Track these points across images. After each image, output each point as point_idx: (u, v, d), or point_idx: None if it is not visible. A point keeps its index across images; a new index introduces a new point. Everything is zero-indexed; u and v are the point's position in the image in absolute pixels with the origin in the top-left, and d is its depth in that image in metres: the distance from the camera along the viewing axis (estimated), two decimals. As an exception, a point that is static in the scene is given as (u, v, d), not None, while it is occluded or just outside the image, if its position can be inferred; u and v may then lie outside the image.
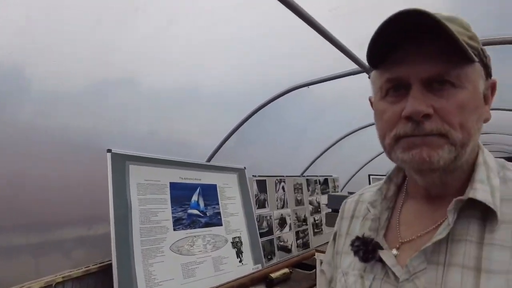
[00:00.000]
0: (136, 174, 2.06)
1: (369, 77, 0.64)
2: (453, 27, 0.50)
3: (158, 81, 1.91)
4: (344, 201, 0.83)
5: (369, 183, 4.82)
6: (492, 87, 0.60)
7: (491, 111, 0.61)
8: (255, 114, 2.65)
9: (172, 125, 2.37)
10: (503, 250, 0.51)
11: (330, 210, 2.59)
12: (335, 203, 2.52)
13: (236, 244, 2.50)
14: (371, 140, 4.68)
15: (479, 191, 0.55)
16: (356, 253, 0.64)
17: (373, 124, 2.99)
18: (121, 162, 2.00)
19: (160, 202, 2.14)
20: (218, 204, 2.57)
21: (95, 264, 1.92)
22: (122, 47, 1.55)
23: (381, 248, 0.62)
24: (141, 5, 1.26)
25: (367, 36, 1.61)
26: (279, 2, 1.25)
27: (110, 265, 1.78)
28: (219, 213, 2.53)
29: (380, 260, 0.61)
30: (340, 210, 0.82)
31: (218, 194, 2.62)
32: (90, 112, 1.85)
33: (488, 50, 1.69)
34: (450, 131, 0.53)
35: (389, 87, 0.57)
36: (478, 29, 1.62)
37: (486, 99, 0.59)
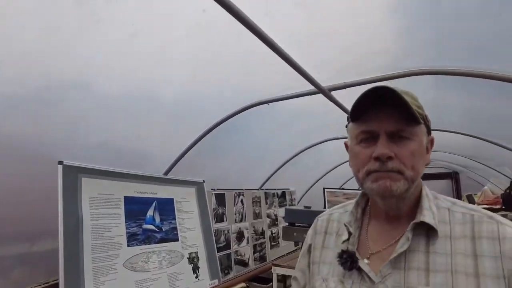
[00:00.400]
0: (89, 187, 1.97)
1: (346, 126, 0.88)
2: (408, 99, 0.75)
3: (114, 88, 1.84)
4: (316, 219, 1.02)
5: (324, 196, 5.03)
6: (431, 142, 0.85)
7: (432, 131, 0.86)
8: (216, 128, 2.66)
9: (128, 135, 2.30)
10: (442, 256, 0.75)
11: (287, 223, 2.65)
12: (292, 217, 2.58)
13: (193, 260, 2.46)
14: (326, 155, 4.89)
15: (427, 216, 0.78)
16: (343, 263, 0.83)
17: (328, 140, 3.13)
18: (73, 174, 1.91)
19: (114, 217, 2.06)
20: (174, 218, 2.52)
21: (39, 284, 1.80)
22: (79, 54, 1.49)
23: (357, 260, 0.82)
24: (102, 17, 1.25)
25: (323, 60, 1.72)
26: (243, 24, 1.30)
27: (56, 285, 1.67)
28: (175, 228, 2.48)
29: (357, 268, 0.81)
30: (312, 227, 1.02)
31: (175, 209, 2.57)
32: (37, 118, 1.74)
33: (428, 78, 1.86)
34: (405, 170, 0.76)
35: (363, 136, 0.81)
36: (420, 59, 1.78)
37: (428, 150, 0.83)
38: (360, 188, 0.86)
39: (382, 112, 0.77)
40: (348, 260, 0.82)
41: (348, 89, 2.15)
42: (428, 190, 0.85)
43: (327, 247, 0.93)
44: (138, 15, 1.28)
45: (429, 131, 0.83)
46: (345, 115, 2.70)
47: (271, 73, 2.04)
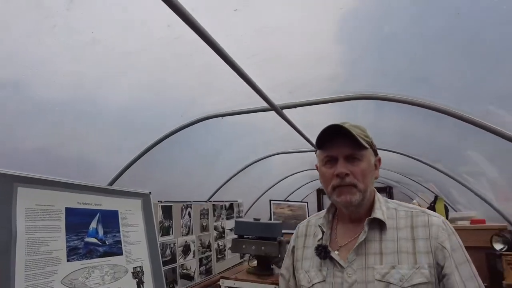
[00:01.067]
0: (26, 198, 1.82)
1: (315, 153, 1.16)
2: (356, 131, 1.04)
3: (56, 92, 1.72)
4: (298, 226, 1.30)
5: (270, 208, 5.15)
6: (379, 160, 1.14)
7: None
8: (166, 139, 2.62)
9: (70, 142, 2.15)
10: (391, 242, 1.03)
11: (236, 236, 2.67)
12: (241, 229, 2.62)
13: (137, 274, 2.37)
14: (273, 168, 5.03)
15: (377, 214, 1.06)
16: (319, 254, 1.09)
17: (275, 154, 3.25)
18: (7, 183, 1.75)
19: (53, 230, 1.92)
20: (119, 231, 2.41)
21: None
22: (23, 55, 1.40)
23: (329, 251, 1.09)
24: (59, 23, 1.20)
25: (277, 81, 1.83)
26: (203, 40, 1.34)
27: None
28: (119, 242, 2.37)
29: (330, 258, 1.08)
30: (294, 232, 1.29)
31: (120, 221, 2.46)
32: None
33: (369, 102, 2.07)
34: (358, 183, 1.04)
35: (327, 159, 1.09)
36: (362, 85, 1.97)
37: (376, 166, 1.12)
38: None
39: (340, 141, 1.05)
40: (322, 251, 1.09)
41: (297, 108, 2.29)
42: (380, 196, 1.15)
43: (307, 246, 1.20)
44: (99, 24, 1.26)
45: (376, 153, 1.13)
46: (292, 131, 2.87)
47: (226, 90, 2.10)
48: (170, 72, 1.78)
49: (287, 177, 5.76)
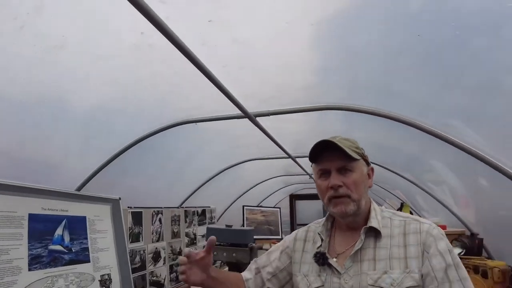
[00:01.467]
0: (-15, 204, 1.74)
1: (311, 166, 1.21)
2: (347, 144, 1.11)
3: (18, 92, 1.65)
4: (296, 231, 1.36)
5: (243, 213, 5.17)
6: (371, 170, 1.20)
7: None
8: (137, 144, 2.58)
9: (32, 145, 2.07)
10: (384, 249, 1.08)
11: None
12: (213, 235, 2.60)
13: (105, 282, 2.31)
14: (246, 174, 5.04)
15: (373, 223, 1.12)
16: (317, 261, 1.15)
17: (248, 160, 3.28)
18: (-35, 189, 1.67)
19: (14, 238, 1.83)
20: (86, 238, 2.34)
21: None
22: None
23: (327, 258, 1.14)
24: (27, 24, 1.17)
25: (251, 90, 1.88)
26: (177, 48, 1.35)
27: None
28: (86, 249, 2.30)
29: (328, 265, 1.13)
30: (293, 235, 1.35)
31: (87, 227, 2.39)
32: None
33: (339, 112, 2.14)
34: (351, 194, 1.10)
35: (321, 172, 1.15)
36: (333, 96, 2.05)
37: (369, 176, 1.18)
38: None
39: (331, 154, 1.11)
40: (320, 258, 1.14)
41: (271, 116, 2.34)
42: (376, 205, 1.20)
43: (306, 251, 1.25)
44: (70, 28, 1.24)
45: (368, 163, 1.19)
46: (266, 138, 2.92)
47: (200, 97, 2.11)
48: (142, 78, 1.77)
49: (260, 183, 5.80)
